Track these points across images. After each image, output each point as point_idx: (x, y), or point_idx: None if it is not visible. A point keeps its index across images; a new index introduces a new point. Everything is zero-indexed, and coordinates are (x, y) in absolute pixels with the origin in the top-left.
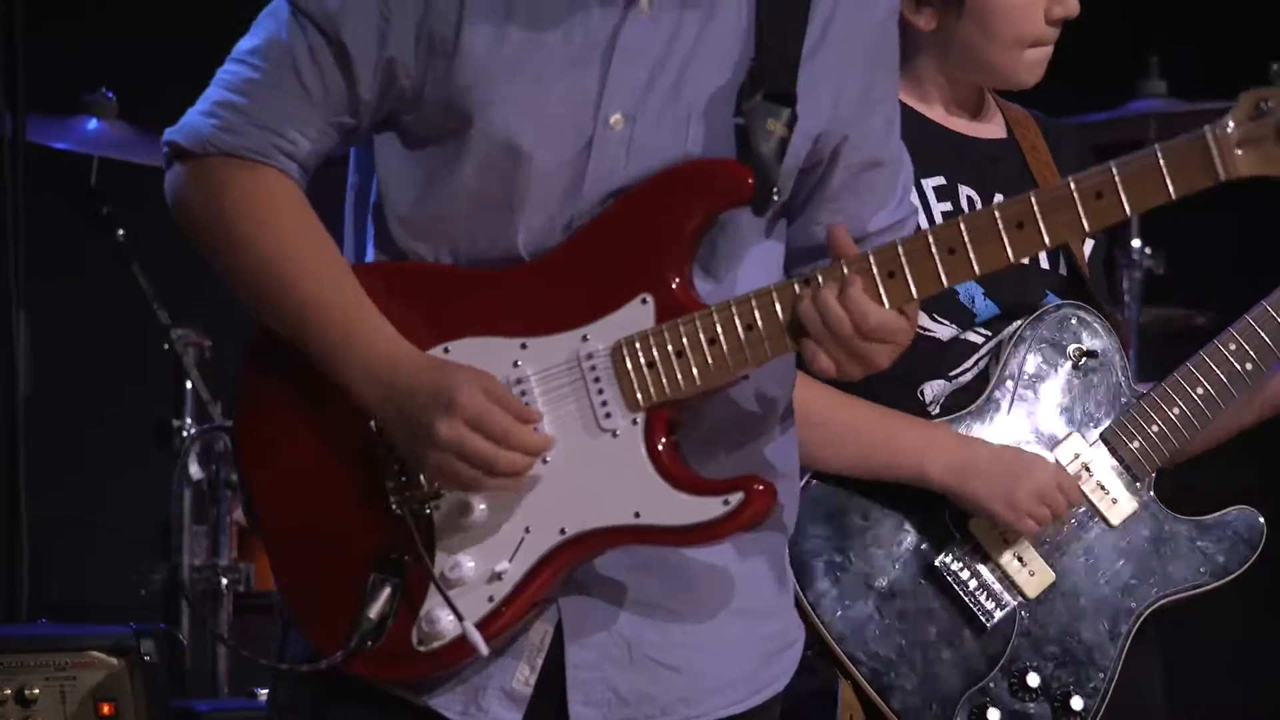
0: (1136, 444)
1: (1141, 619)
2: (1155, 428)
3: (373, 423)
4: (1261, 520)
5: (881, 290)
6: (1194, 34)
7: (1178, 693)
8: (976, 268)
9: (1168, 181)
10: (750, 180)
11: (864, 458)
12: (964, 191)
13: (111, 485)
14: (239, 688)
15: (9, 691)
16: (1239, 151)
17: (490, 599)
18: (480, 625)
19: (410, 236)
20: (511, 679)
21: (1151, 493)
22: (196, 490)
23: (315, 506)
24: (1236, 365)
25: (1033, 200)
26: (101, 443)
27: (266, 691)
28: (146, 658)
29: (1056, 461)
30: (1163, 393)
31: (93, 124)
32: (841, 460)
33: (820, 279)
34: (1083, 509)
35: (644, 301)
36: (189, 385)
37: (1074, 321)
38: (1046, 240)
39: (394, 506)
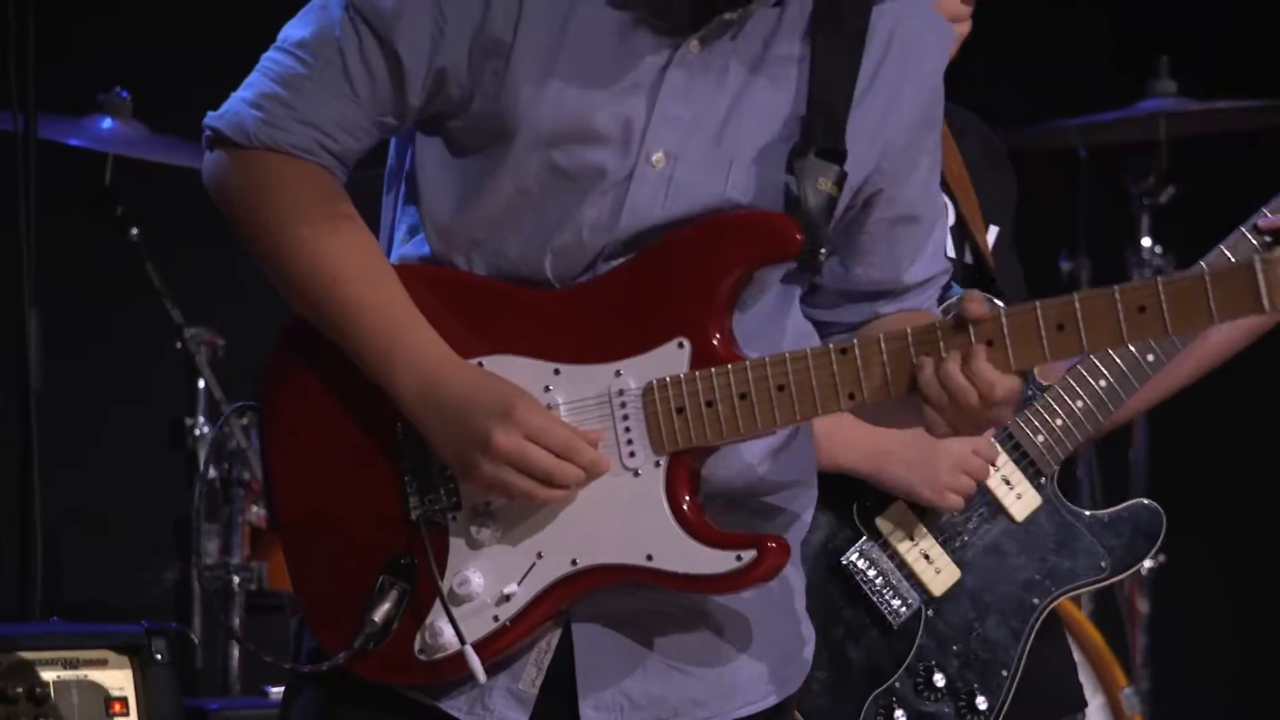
0: (1041, 438)
1: (1043, 615)
2: (1059, 421)
3: (400, 425)
4: (1161, 514)
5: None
6: (1204, 33)
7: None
8: (1012, 362)
9: (1211, 305)
10: (800, 237)
11: None
12: None
13: (124, 484)
14: (251, 686)
15: (21, 689)
16: None
17: (495, 619)
18: (482, 644)
19: (446, 243)
20: (518, 680)
21: (1054, 487)
22: (209, 489)
23: (333, 501)
24: (1138, 357)
25: (1076, 304)
26: (114, 442)
27: (278, 690)
28: (158, 656)
29: None
30: (1066, 385)
31: (107, 123)
32: None
33: (883, 350)
34: (986, 506)
35: (680, 345)
36: (202, 384)
37: None
38: (1085, 346)
39: (412, 513)
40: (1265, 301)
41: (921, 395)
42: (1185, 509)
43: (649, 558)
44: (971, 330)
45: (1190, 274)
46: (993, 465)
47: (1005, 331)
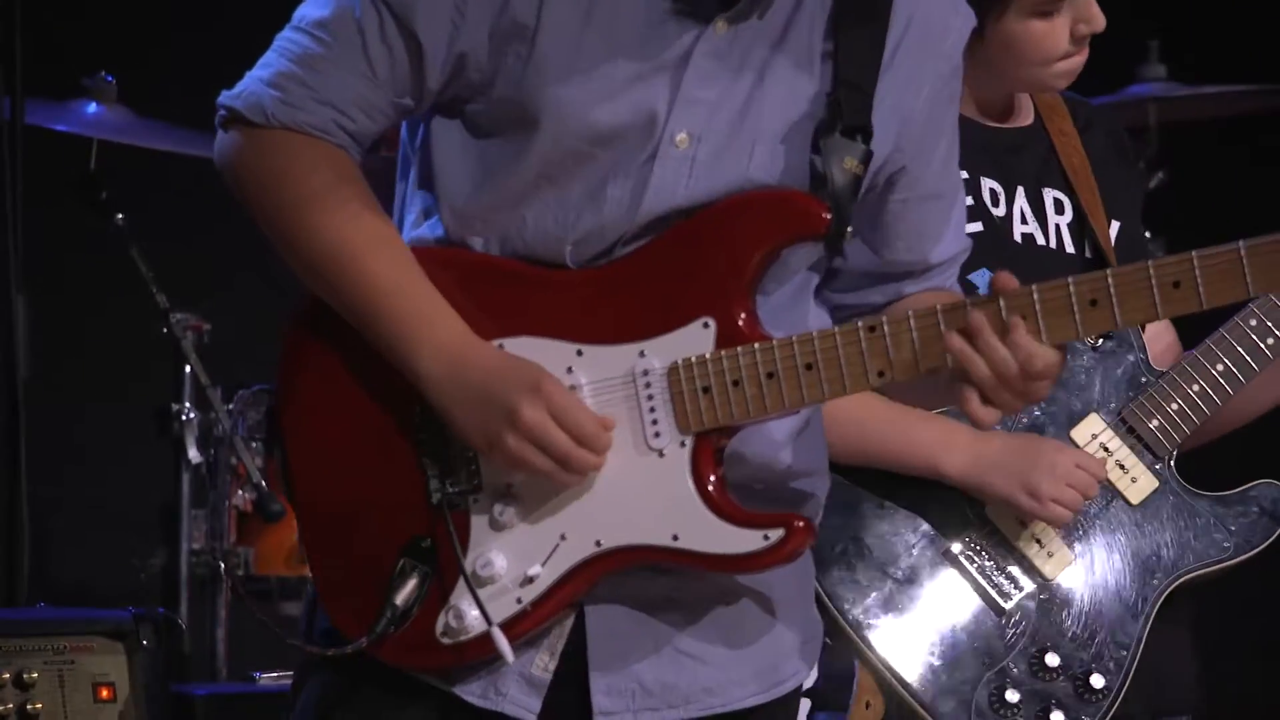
0: (1155, 422)
1: (1165, 595)
2: (1174, 405)
3: (418, 408)
4: None
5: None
6: (1194, 17)
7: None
8: (1044, 336)
9: (1248, 279)
10: (827, 216)
11: (879, 454)
12: (986, 184)
13: (110, 469)
14: (238, 672)
15: (7, 675)
16: None
17: (519, 601)
18: (505, 626)
19: (462, 225)
20: (531, 665)
21: (1172, 470)
22: (195, 474)
23: (350, 487)
24: (1257, 340)
25: (1109, 279)
26: (100, 427)
27: (266, 676)
28: (145, 642)
29: (1073, 441)
30: (1181, 370)
31: (92, 108)
32: (857, 455)
33: (912, 327)
34: (1102, 490)
35: (705, 325)
36: (188, 369)
37: None
38: (1119, 321)
39: (432, 495)
40: None
41: (959, 371)
42: None
43: (675, 538)
44: (1003, 304)
45: (1226, 248)
46: (1100, 480)
47: (1037, 306)
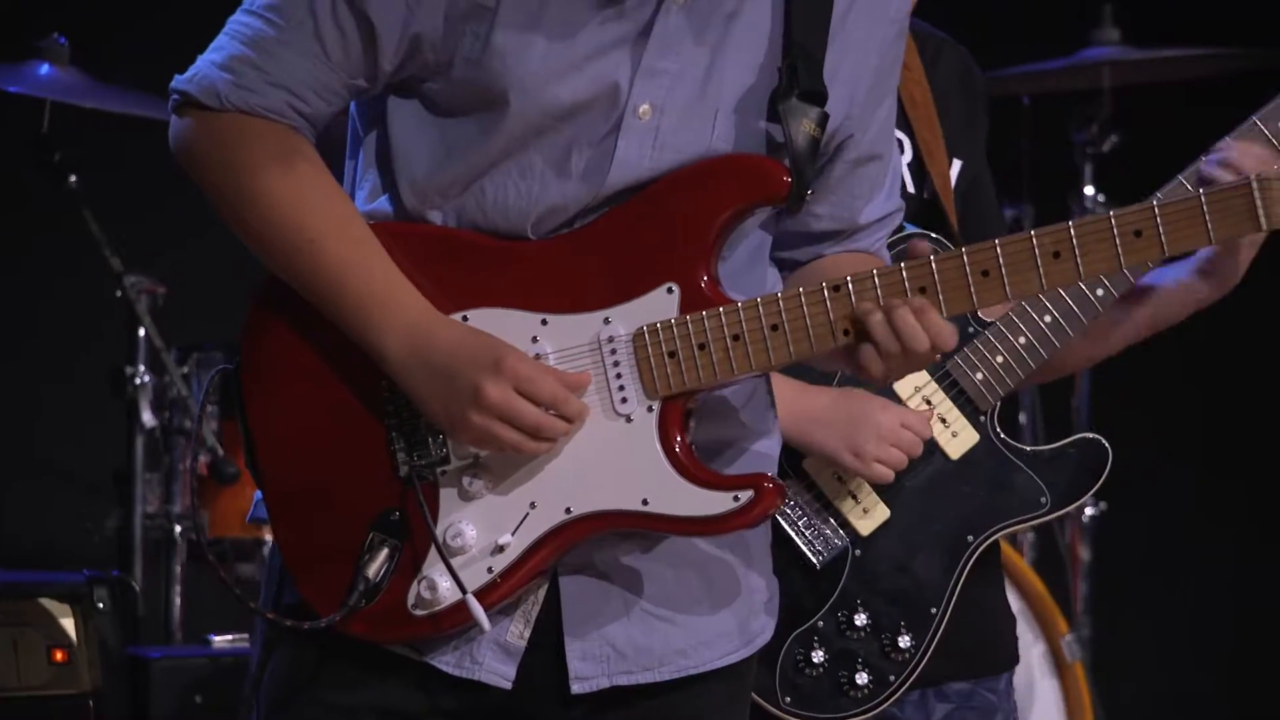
0: (980, 375)
1: (978, 551)
2: (1000, 359)
3: (385, 382)
4: (1107, 448)
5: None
6: None
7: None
8: (1008, 291)
9: (1209, 225)
10: (787, 179)
11: None
12: None
13: (65, 433)
14: (192, 635)
15: None
16: None
17: (490, 570)
18: (478, 595)
19: (421, 201)
20: (505, 632)
21: (994, 423)
22: (149, 437)
23: (318, 462)
24: (1085, 291)
25: (1071, 231)
26: (54, 390)
27: (221, 639)
28: (100, 605)
29: (896, 394)
30: (1008, 321)
31: (45, 69)
32: None
33: (876, 285)
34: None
35: (670, 291)
36: (142, 332)
37: None
38: (1082, 272)
39: (400, 468)
40: (1263, 220)
41: (867, 338)
42: (1127, 455)
43: (645, 502)
44: (967, 260)
45: (1186, 196)
46: (925, 439)
47: (1002, 262)
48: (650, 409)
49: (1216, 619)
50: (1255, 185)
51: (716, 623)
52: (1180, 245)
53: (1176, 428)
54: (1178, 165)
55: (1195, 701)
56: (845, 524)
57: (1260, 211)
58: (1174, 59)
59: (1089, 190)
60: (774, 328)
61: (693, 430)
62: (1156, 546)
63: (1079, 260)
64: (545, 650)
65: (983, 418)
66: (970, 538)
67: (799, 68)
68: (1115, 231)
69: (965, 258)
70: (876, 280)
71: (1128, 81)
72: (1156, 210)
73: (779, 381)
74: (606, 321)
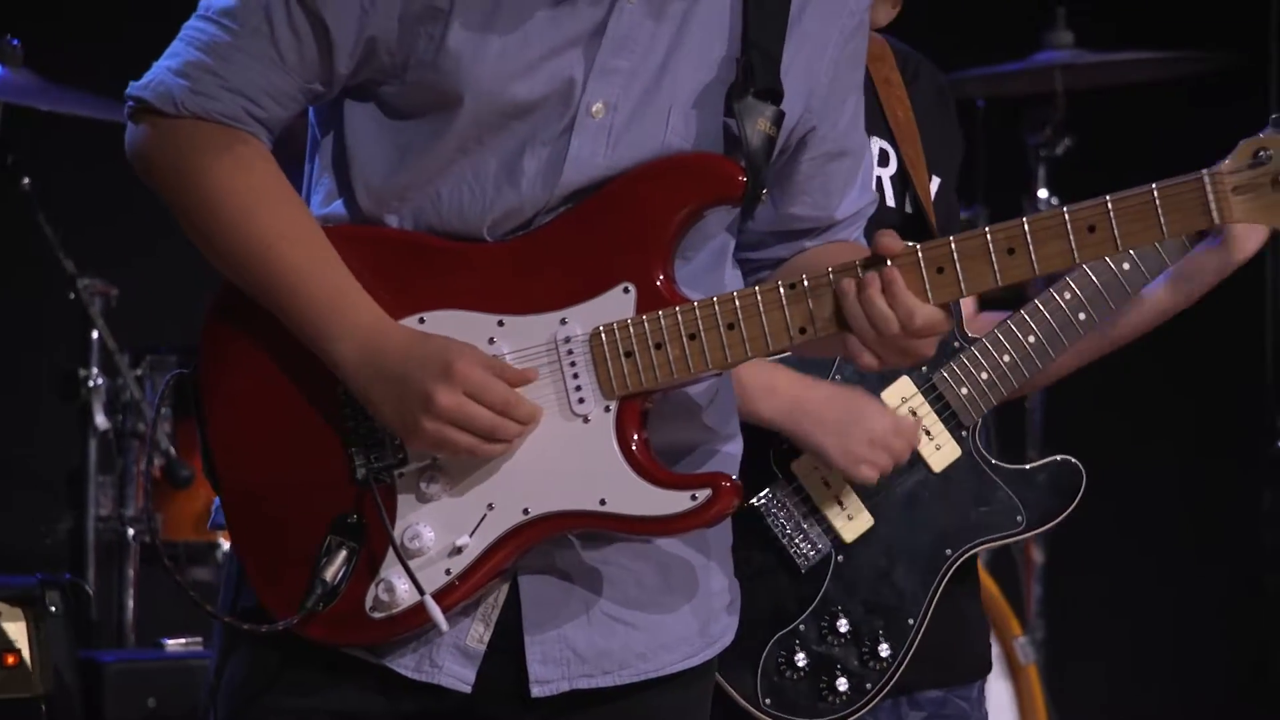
0: (965, 390)
1: (955, 566)
2: (984, 375)
3: (340, 387)
4: (1081, 471)
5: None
6: None
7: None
8: (964, 287)
9: (1161, 220)
10: (742, 178)
11: None
12: None
13: (17, 435)
14: (146, 639)
15: None
16: (1235, 197)
17: (448, 572)
18: (436, 596)
19: (377, 204)
20: (465, 635)
21: (975, 439)
22: (102, 440)
23: (276, 466)
24: (1070, 315)
25: (1025, 226)
26: (7, 393)
27: (174, 642)
28: (52, 608)
29: (889, 407)
30: (994, 339)
31: None
32: None
33: (832, 283)
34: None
35: (626, 290)
36: (95, 335)
37: None
38: (1036, 269)
39: (357, 471)
40: (1215, 214)
41: (846, 324)
42: (1080, 459)
43: (602, 502)
44: (921, 257)
45: (1139, 190)
46: (913, 448)
47: (955, 255)
48: (608, 409)
49: (1168, 623)
50: (1207, 179)
51: (677, 625)
52: (1134, 239)
53: (1131, 429)
54: (1131, 168)
55: (1147, 705)
56: (830, 529)
57: (1212, 206)
58: (1127, 62)
59: (1043, 193)
60: (730, 326)
61: (653, 432)
62: (1109, 549)
63: (1033, 255)
64: (505, 653)
65: (965, 433)
66: (949, 551)
67: (755, 64)
68: (1069, 227)
69: (920, 254)
70: (832, 278)
71: (1081, 85)
72: (1110, 205)
73: (778, 369)
74: (563, 322)
